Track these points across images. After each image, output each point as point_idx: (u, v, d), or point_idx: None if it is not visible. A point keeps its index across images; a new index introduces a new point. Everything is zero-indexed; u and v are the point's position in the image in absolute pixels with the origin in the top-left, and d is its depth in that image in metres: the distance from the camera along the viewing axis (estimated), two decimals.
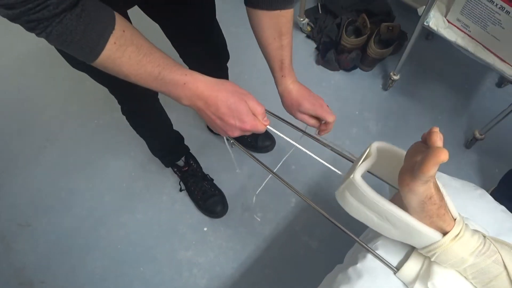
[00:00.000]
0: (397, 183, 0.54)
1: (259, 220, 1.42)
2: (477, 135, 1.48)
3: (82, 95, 1.76)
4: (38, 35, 0.49)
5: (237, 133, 0.63)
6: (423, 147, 0.50)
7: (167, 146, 1.37)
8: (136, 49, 0.54)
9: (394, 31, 1.62)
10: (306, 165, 1.52)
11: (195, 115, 0.61)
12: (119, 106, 1.11)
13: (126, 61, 0.54)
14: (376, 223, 0.59)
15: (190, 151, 1.47)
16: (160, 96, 1.14)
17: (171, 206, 1.49)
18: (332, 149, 0.73)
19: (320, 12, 1.85)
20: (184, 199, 1.49)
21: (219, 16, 1.05)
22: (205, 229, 1.44)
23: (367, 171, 0.64)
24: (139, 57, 0.54)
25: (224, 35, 1.13)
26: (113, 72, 0.56)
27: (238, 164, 1.54)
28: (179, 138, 1.39)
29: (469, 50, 1.26)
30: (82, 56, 0.53)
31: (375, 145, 0.61)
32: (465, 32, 1.28)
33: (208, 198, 1.43)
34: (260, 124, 0.63)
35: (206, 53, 1.09)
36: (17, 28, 0.52)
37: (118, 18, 0.54)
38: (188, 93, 0.59)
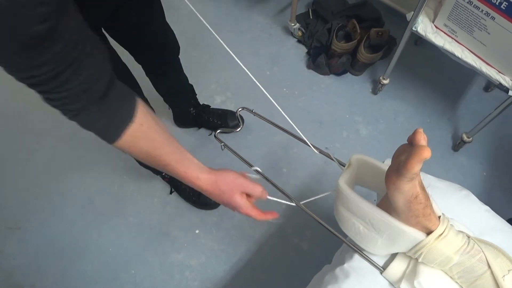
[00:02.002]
0: (384, 188, 0.55)
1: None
2: (465, 138, 1.51)
3: None
4: (69, 118, 0.54)
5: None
6: (408, 148, 0.52)
7: None
8: (148, 143, 0.59)
9: (383, 36, 1.65)
10: (297, 168, 1.53)
11: None
12: None
13: (138, 150, 0.60)
14: (362, 233, 0.60)
15: None
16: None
17: (163, 209, 1.49)
18: (321, 152, 0.75)
19: (311, 18, 1.87)
20: (175, 201, 1.49)
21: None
22: (197, 231, 1.44)
23: (358, 184, 0.66)
24: (149, 149, 0.60)
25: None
26: (127, 153, 0.62)
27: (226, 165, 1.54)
28: None
29: (457, 55, 1.29)
30: (101, 138, 0.58)
31: (354, 156, 0.65)
32: (452, 37, 1.31)
33: None
34: (252, 211, 0.71)
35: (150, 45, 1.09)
36: None
37: (140, 111, 0.57)
38: (189, 183, 0.66)
